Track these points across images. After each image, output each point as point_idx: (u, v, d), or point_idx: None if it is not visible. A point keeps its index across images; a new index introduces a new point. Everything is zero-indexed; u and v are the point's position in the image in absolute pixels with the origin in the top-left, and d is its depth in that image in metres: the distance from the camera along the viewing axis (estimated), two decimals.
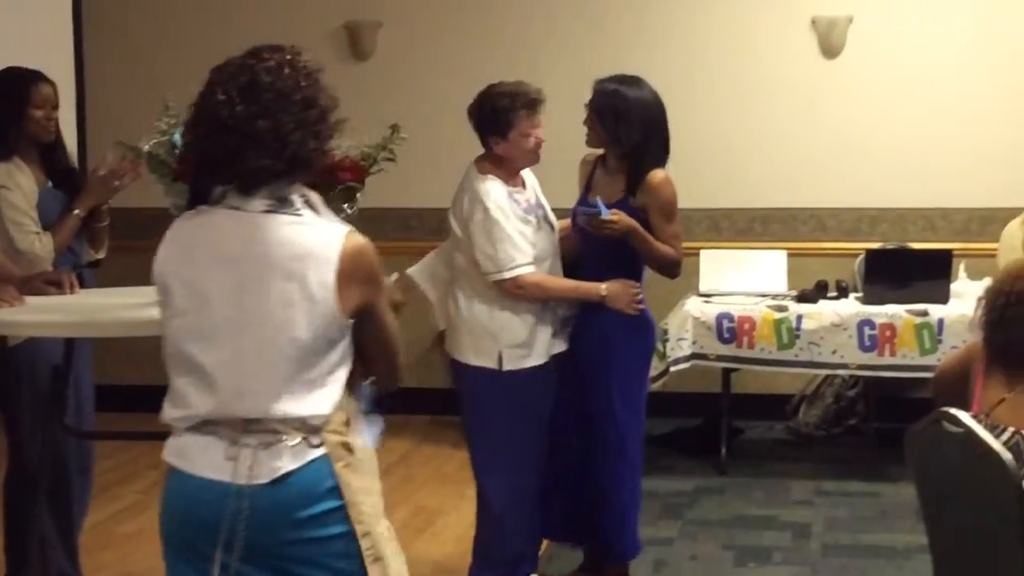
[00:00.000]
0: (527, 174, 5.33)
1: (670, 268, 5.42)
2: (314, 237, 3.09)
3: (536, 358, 5.23)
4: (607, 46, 8.44)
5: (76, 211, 5.27)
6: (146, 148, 4.54)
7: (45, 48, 7.23)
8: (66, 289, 4.86)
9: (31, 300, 4.65)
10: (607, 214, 5.21)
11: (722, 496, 7.09)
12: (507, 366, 5.18)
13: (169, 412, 3.13)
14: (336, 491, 3.11)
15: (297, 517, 3.06)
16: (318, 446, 3.09)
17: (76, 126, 7.30)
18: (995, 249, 7.87)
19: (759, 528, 6.56)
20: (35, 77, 5.27)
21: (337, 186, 4.13)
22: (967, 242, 8.19)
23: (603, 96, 5.37)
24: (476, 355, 5.23)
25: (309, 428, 3.08)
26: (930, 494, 4.08)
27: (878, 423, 8.02)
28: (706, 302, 7.45)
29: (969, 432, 3.78)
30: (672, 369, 7.31)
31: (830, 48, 8.40)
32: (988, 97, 8.25)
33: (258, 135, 3.03)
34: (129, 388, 8.09)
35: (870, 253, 7.62)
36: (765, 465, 7.67)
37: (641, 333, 5.47)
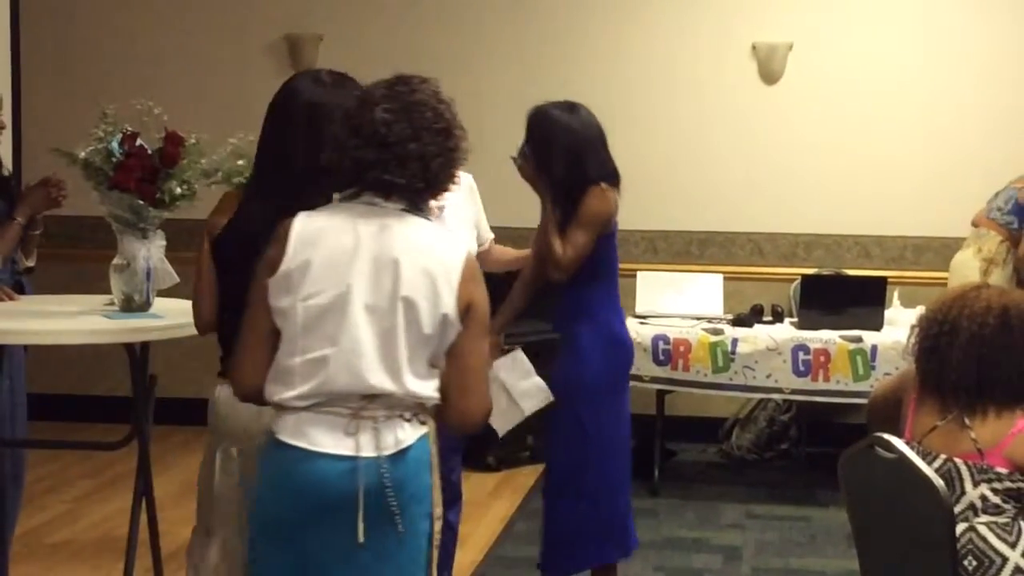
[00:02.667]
0: (465, 179, 5.16)
1: (549, 260, 5.14)
2: (444, 238, 3.44)
3: None
4: (547, 69, 8.47)
5: (18, 219, 5.21)
6: (82, 155, 4.52)
7: None
8: (2, 297, 4.83)
9: None
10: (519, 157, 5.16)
11: (654, 518, 7.08)
12: None
13: (283, 392, 3.30)
14: (431, 470, 3.39)
15: (409, 488, 3.33)
16: (424, 424, 3.37)
17: (12, 133, 7.23)
18: (929, 277, 7.98)
19: (690, 550, 6.56)
20: None
21: None
22: (901, 270, 8.26)
23: (532, 121, 5.22)
24: None
25: (420, 408, 3.36)
26: (862, 519, 4.10)
27: (810, 448, 8.06)
28: (642, 323, 7.45)
29: (902, 458, 3.81)
30: None
31: (770, 74, 8.45)
32: (925, 127, 8.33)
33: (408, 155, 3.35)
34: (59, 397, 8.04)
35: (805, 279, 7.66)
36: (697, 488, 7.68)
37: (612, 351, 5.33)
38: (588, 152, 5.26)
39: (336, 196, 3.50)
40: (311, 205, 3.49)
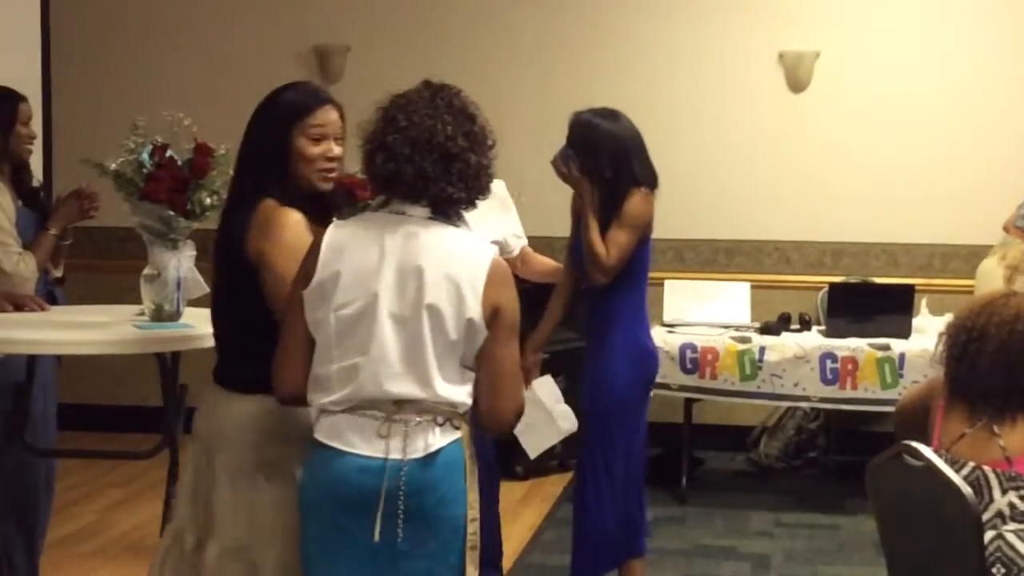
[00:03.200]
0: (498, 188, 5.15)
1: (593, 263, 5.22)
2: (470, 244, 3.49)
3: None
4: (568, 77, 8.49)
5: (52, 231, 5.27)
6: (113, 167, 4.53)
7: (12, 66, 7.21)
8: (33, 308, 4.86)
9: None
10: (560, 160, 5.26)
11: (682, 526, 7.09)
12: None
13: (321, 397, 3.41)
14: (464, 474, 3.45)
15: (439, 492, 3.41)
16: (457, 428, 3.44)
17: (43, 144, 7.28)
18: (957, 285, 7.96)
19: (718, 559, 6.56)
20: (19, 96, 5.29)
21: (357, 203, 4.13)
22: (929, 277, 8.25)
23: (575, 127, 5.33)
24: None
25: (452, 413, 3.42)
26: (890, 526, 4.09)
27: (838, 456, 8.05)
28: (670, 332, 7.46)
29: (930, 466, 3.80)
30: None
31: (797, 82, 8.45)
32: (953, 134, 8.32)
33: (470, 168, 3.44)
34: (90, 407, 8.07)
35: (833, 287, 7.65)
36: (725, 496, 7.68)
37: (641, 360, 5.40)
38: (633, 156, 5.38)
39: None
40: (247, 210, 3.64)
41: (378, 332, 3.36)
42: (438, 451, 3.40)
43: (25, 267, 5.13)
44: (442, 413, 3.41)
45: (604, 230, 5.21)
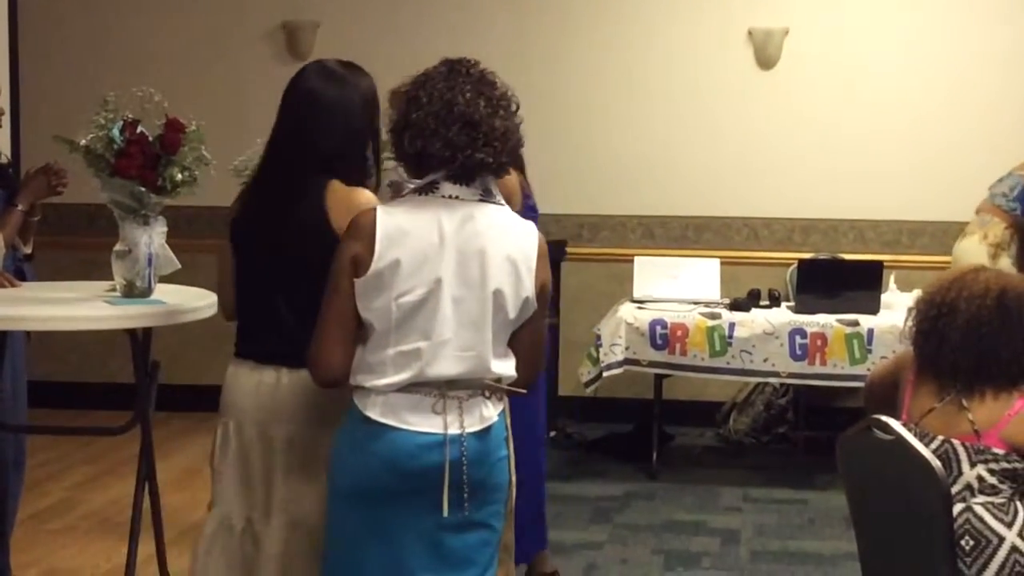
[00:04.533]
0: None
1: None
2: (521, 225, 3.56)
3: None
4: (543, 54, 8.50)
5: (19, 207, 5.22)
6: (83, 143, 4.52)
7: None
8: (2, 284, 4.84)
9: None
10: None
11: (652, 501, 7.10)
12: None
13: (375, 380, 3.44)
14: (508, 443, 3.61)
15: (492, 461, 3.54)
16: (501, 400, 3.57)
17: (11, 120, 7.23)
18: (925, 261, 8.01)
19: (688, 533, 6.57)
20: None
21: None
22: (897, 254, 8.28)
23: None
24: None
25: (497, 386, 3.53)
26: (860, 500, 4.12)
27: (807, 431, 8.07)
28: (639, 308, 7.46)
29: (900, 439, 3.82)
30: (605, 374, 7.32)
31: (766, 60, 8.46)
32: (921, 111, 8.34)
33: (495, 132, 3.46)
34: (60, 384, 8.04)
35: (802, 263, 7.67)
36: (695, 471, 7.69)
37: None
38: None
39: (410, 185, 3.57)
40: (307, 192, 3.69)
41: (441, 317, 3.42)
42: (492, 424, 3.53)
43: None
44: (489, 387, 3.52)
45: None
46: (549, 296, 3.63)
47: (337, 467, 3.53)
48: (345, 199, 3.74)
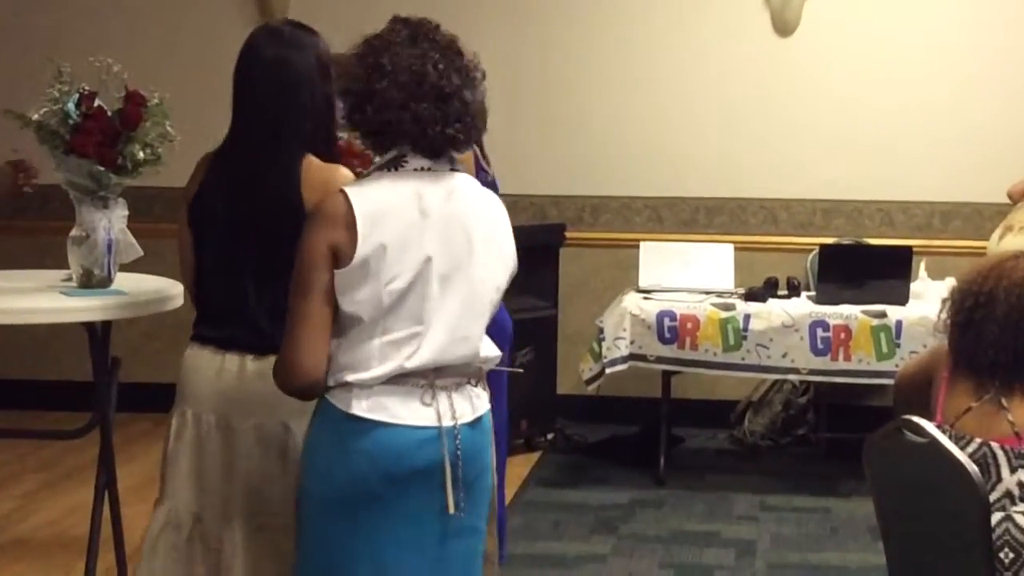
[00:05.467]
0: None
1: None
2: (488, 194, 3.62)
3: None
4: (548, 27, 8.50)
5: None
6: (35, 117, 4.52)
7: None
8: None
9: None
10: None
11: (660, 510, 7.11)
12: None
13: (359, 375, 3.43)
14: (492, 433, 3.65)
15: (483, 457, 3.58)
16: (486, 389, 3.63)
17: None
18: (959, 246, 8.02)
19: (700, 545, 6.59)
20: None
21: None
22: (928, 239, 8.30)
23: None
24: None
25: (481, 374, 3.59)
26: (889, 509, 4.12)
27: (829, 433, 8.09)
28: (646, 299, 7.48)
29: (933, 443, 3.83)
30: (608, 371, 7.35)
31: (784, 26, 8.47)
32: (956, 82, 8.35)
33: (466, 107, 3.47)
34: (9, 382, 8.03)
35: (824, 249, 7.68)
36: (707, 477, 7.71)
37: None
38: None
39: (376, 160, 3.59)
40: (281, 166, 3.76)
41: (432, 299, 3.45)
42: (483, 415, 3.59)
43: None
44: (474, 374, 3.57)
45: None
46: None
47: (312, 472, 3.51)
48: (322, 177, 3.78)
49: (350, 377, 3.44)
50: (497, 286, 3.55)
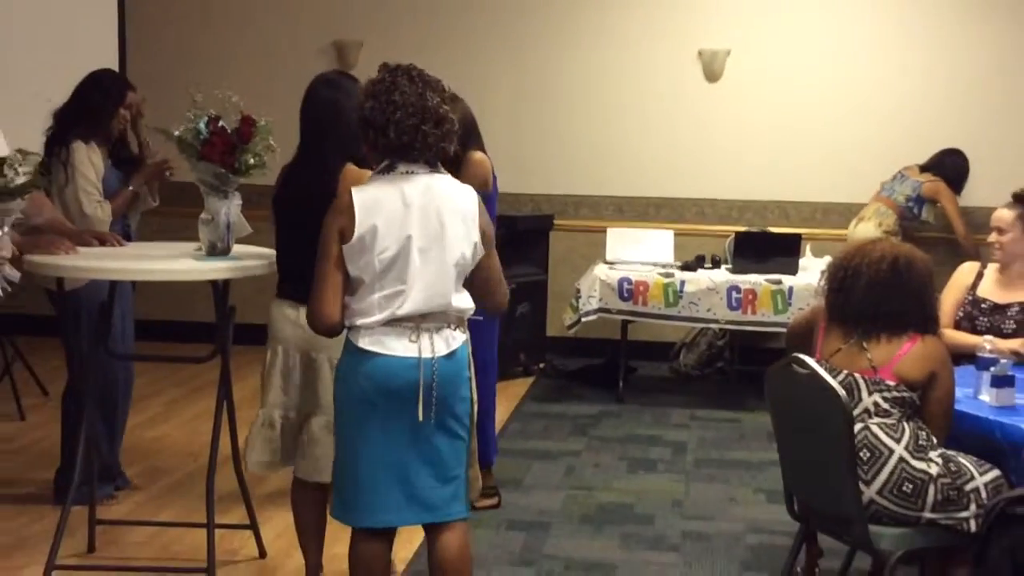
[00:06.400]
0: None
1: None
2: (463, 189, 3.57)
3: None
4: (539, 66, 8.46)
5: (132, 187, 5.31)
6: (177, 134, 4.50)
7: (94, 50, 7.12)
8: (112, 243, 4.85)
9: (85, 250, 4.63)
10: None
11: (619, 419, 7.11)
12: None
13: (365, 319, 3.49)
14: (469, 366, 3.61)
15: (458, 379, 3.55)
16: (464, 332, 3.59)
17: None
18: (834, 234, 7.99)
19: (646, 445, 6.59)
20: (128, 84, 5.34)
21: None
22: (812, 228, 8.26)
23: None
24: None
25: (460, 320, 3.57)
26: (781, 420, 4.13)
27: (740, 366, 8.08)
28: (611, 268, 7.46)
29: (813, 373, 3.84)
30: (583, 320, 7.34)
31: (712, 74, 8.42)
32: (832, 116, 8.33)
33: (453, 126, 3.53)
34: (158, 322, 8.02)
35: (738, 235, 7.64)
36: (652, 396, 7.69)
37: None
38: (469, 127, 5.14)
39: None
40: (329, 172, 3.87)
41: (413, 265, 3.45)
42: (456, 350, 3.54)
43: (102, 212, 5.13)
44: (453, 320, 3.54)
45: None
46: (493, 240, 3.64)
47: (339, 385, 3.60)
48: (354, 178, 3.84)
49: (359, 321, 3.49)
50: (464, 255, 3.52)
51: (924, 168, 7.75)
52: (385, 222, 3.44)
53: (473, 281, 3.60)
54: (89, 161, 5.15)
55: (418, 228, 3.46)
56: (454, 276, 3.51)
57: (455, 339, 3.55)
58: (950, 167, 7.72)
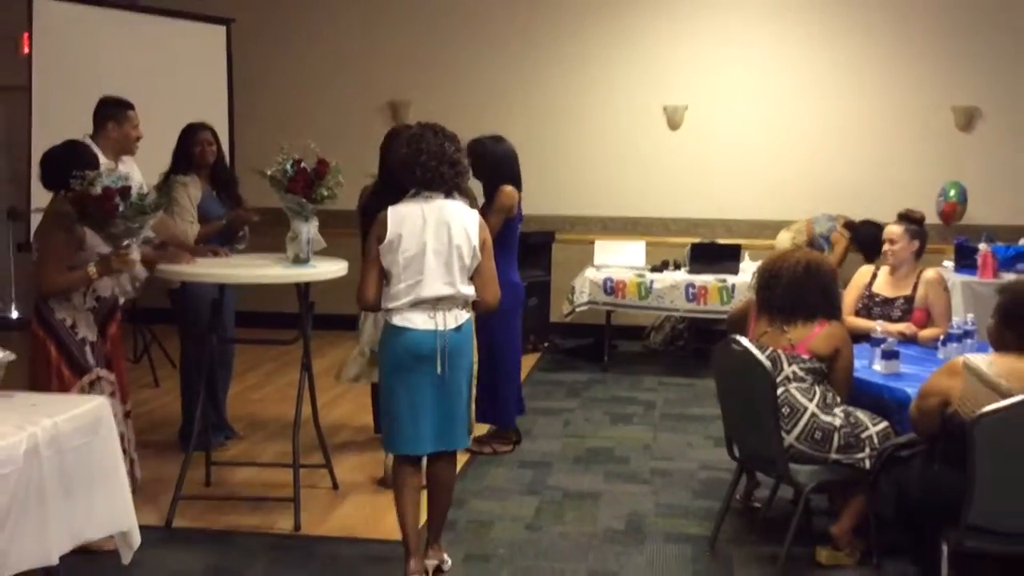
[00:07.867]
0: None
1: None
2: (468, 211, 3.70)
3: None
4: (545, 112, 8.44)
5: (224, 221, 5.27)
6: (269, 173, 4.53)
7: (210, 107, 7.17)
8: (221, 256, 4.88)
9: (202, 260, 4.68)
10: None
11: (604, 384, 7.10)
12: None
13: (395, 303, 3.63)
14: (472, 337, 3.75)
15: (464, 346, 3.68)
16: (469, 312, 3.72)
17: (229, 157, 7.25)
18: (765, 245, 7.94)
19: (625, 403, 6.58)
20: (200, 126, 5.27)
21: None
22: (750, 239, 8.23)
23: (471, 145, 4.83)
24: None
25: (466, 303, 3.69)
26: (724, 385, 4.15)
27: (696, 344, 8.06)
28: (598, 271, 7.45)
29: (746, 350, 3.86)
30: (576, 309, 7.34)
31: (674, 123, 8.40)
32: (765, 159, 8.30)
33: (464, 168, 3.71)
34: (254, 313, 8.05)
35: (694, 245, 7.62)
36: (630, 366, 7.67)
37: (510, 290, 4.90)
38: (503, 165, 5.11)
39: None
40: (395, 198, 3.82)
41: (428, 262, 3.60)
42: (463, 323, 3.67)
43: (192, 232, 5.10)
44: (460, 303, 3.67)
45: (485, 217, 4.50)
46: (491, 249, 3.71)
47: (381, 351, 3.75)
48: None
49: (391, 304, 3.66)
50: (465, 257, 3.62)
51: (846, 224, 7.46)
52: (409, 231, 3.61)
53: (473, 278, 3.69)
54: (185, 188, 5.15)
55: (432, 236, 3.60)
56: (458, 271, 3.62)
57: (462, 316, 3.67)
58: (864, 234, 7.09)
